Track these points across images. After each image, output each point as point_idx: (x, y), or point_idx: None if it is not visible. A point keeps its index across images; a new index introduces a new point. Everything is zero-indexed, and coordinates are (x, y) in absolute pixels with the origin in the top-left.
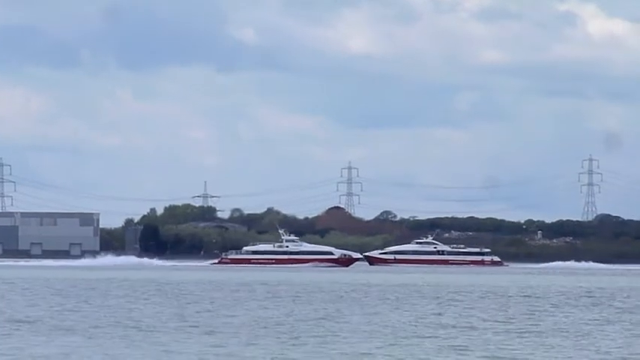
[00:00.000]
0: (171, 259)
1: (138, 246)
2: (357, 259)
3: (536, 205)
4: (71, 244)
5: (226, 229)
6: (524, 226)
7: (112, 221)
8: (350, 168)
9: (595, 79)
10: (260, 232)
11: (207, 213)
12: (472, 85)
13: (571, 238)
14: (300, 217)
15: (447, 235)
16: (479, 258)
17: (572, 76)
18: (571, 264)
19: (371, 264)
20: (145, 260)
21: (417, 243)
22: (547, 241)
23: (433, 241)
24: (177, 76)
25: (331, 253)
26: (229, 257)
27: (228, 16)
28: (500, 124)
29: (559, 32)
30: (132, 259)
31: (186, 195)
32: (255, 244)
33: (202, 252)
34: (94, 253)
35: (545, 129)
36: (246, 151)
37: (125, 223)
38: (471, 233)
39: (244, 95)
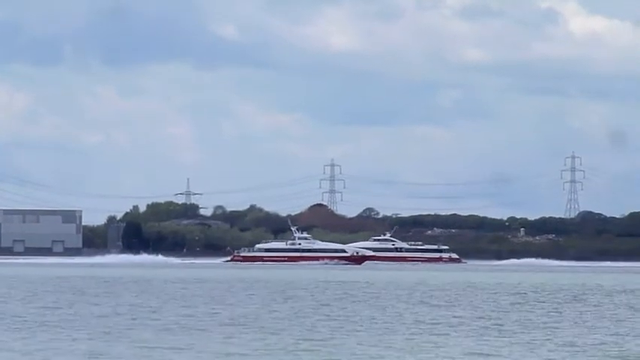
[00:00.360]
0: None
1: (120, 243)
2: (369, 257)
3: (519, 202)
4: (54, 241)
5: (209, 226)
6: (506, 224)
7: (94, 218)
8: (332, 165)
9: (577, 76)
10: (243, 230)
11: (189, 210)
12: (454, 82)
13: (554, 235)
14: (283, 214)
15: (429, 232)
16: (437, 255)
17: (554, 74)
18: (531, 261)
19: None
20: (160, 258)
21: (375, 240)
22: (530, 239)
23: (391, 239)
24: (159, 73)
25: (343, 251)
26: (242, 255)
27: (209, 12)
28: (482, 121)
29: (541, 30)
30: (149, 258)
31: (168, 192)
32: (268, 242)
33: (185, 249)
34: (76, 251)
35: (527, 126)
36: (228, 148)
37: (107, 221)
38: (453, 230)
39: (226, 92)
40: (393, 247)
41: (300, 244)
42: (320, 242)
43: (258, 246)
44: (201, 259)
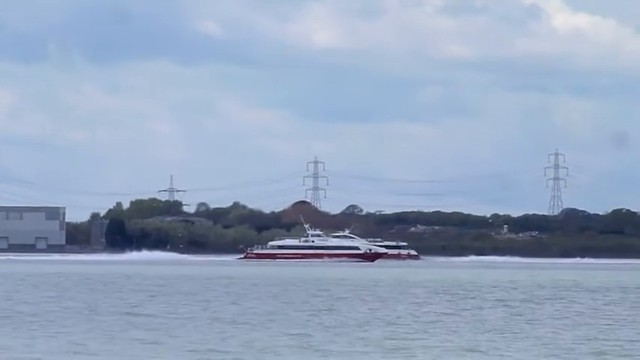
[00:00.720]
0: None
1: (104, 240)
2: (383, 255)
3: (502, 199)
4: (37, 237)
5: (192, 223)
6: (490, 221)
7: (78, 215)
8: (316, 162)
9: (560, 73)
10: (226, 227)
11: (173, 207)
12: (438, 79)
13: (537, 232)
14: (267, 211)
15: (412, 229)
16: (395, 252)
17: (537, 71)
18: (489, 258)
19: None
20: (176, 255)
21: (335, 237)
22: (513, 236)
23: (350, 235)
24: (143, 70)
25: (357, 248)
26: (255, 252)
27: (193, 9)
28: (466, 118)
29: (524, 26)
30: (172, 255)
31: (152, 189)
32: (282, 239)
33: (168, 246)
34: (59, 248)
35: (510, 123)
36: (212, 145)
37: (91, 217)
38: (437, 227)
39: (210, 89)
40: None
41: (313, 241)
42: (333, 239)
43: (271, 243)
44: (213, 256)
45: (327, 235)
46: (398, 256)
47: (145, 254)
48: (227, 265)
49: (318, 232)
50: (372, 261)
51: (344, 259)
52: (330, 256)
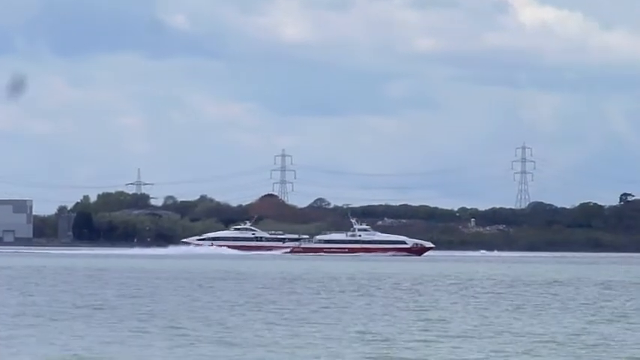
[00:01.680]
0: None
1: (71, 233)
2: (430, 248)
3: (470, 192)
4: (4, 230)
5: (160, 216)
6: (457, 214)
7: (45, 208)
8: (283, 155)
9: (527, 67)
10: (193, 220)
11: (140, 200)
12: (405, 73)
13: (504, 225)
14: (234, 204)
15: (380, 222)
16: (296, 244)
17: (504, 65)
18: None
19: None
20: (225, 249)
21: (236, 229)
22: (480, 229)
23: (251, 228)
24: (109, 63)
25: (404, 242)
26: (302, 246)
27: (160, 2)
28: (433, 112)
29: (491, 20)
30: (208, 249)
31: (119, 182)
32: (327, 233)
33: (135, 239)
34: (27, 240)
35: (477, 117)
36: (179, 138)
37: (58, 211)
38: (404, 221)
39: (176, 82)
40: (252, 236)
41: (360, 235)
42: (380, 234)
43: (318, 237)
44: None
45: (227, 228)
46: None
47: (189, 249)
48: (288, 259)
49: (364, 226)
50: (420, 255)
51: (391, 253)
52: (377, 250)
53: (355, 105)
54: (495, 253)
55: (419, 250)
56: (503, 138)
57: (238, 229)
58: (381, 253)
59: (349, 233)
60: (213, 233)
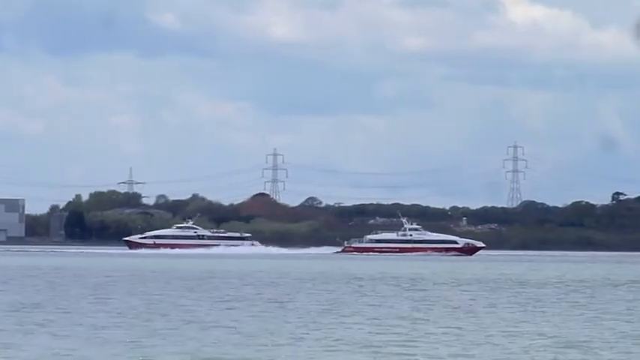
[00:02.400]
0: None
1: (63, 232)
2: (481, 248)
3: (461, 191)
4: None
5: (151, 215)
6: (449, 213)
7: (37, 207)
8: (275, 154)
9: (518, 66)
10: (185, 219)
11: (132, 199)
12: (396, 71)
13: (496, 224)
14: (225, 203)
15: (371, 221)
16: (239, 243)
17: (495, 63)
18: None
19: (130, 248)
20: (272, 249)
21: (178, 227)
22: (472, 228)
23: (193, 226)
24: (102, 63)
25: (455, 242)
26: (353, 246)
27: (151, 1)
28: (424, 111)
29: (481, 19)
30: (259, 249)
31: (111, 181)
32: (378, 233)
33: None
34: (19, 239)
35: (469, 116)
36: (170, 137)
37: (50, 210)
38: (395, 220)
39: (169, 81)
40: (194, 234)
41: (411, 235)
42: (430, 233)
43: (368, 237)
44: (306, 249)
45: (170, 226)
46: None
47: (240, 249)
48: (337, 259)
49: (415, 225)
50: (471, 254)
51: (442, 252)
52: (428, 249)
53: (346, 104)
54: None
55: (470, 250)
56: (494, 137)
57: (180, 227)
58: (432, 253)
59: (400, 233)
60: (155, 231)
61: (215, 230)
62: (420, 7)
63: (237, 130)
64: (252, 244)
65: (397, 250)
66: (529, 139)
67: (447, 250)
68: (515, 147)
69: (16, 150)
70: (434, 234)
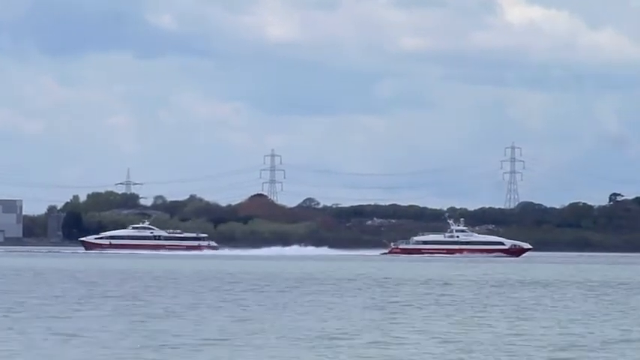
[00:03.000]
0: None
1: (60, 233)
2: (528, 249)
3: (459, 192)
4: None
5: (149, 216)
6: (446, 214)
7: (35, 208)
8: (273, 155)
9: (515, 66)
10: (183, 220)
11: (130, 200)
12: (393, 72)
13: (493, 225)
14: (223, 204)
15: (369, 222)
16: (195, 243)
17: (492, 64)
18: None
19: (87, 249)
20: (323, 249)
21: (134, 228)
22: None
23: (150, 227)
24: (99, 63)
25: (502, 244)
26: (399, 247)
27: (148, 2)
28: (421, 111)
29: (479, 19)
30: (308, 250)
31: (109, 182)
32: (424, 234)
33: None
34: (17, 240)
35: (466, 116)
36: (168, 138)
37: (48, 210)
38: (393, 221)
39: (166, 82)
40: (151, 235)
41: (457, 236)
42: (477, 235)
43: (415, 238)
44: (348, 251)
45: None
46: (198, 248)
47: (278, 249)
48: (389, 260)
49: (462, 227)
50: (518, 256)
51: (489, 254)
52: (474, 251)
53: (344, 104)
54: None
55: (517, 252)
56: (492, 137)
57: (136, 228)
58: (479, 254)
59: (447, 234)
60: (111, 232)
61: (171, 231)
62: (418, 8)
63: (234, 130)
64: (209, 245)
65: (444, 251)
66: (527, 139)
67: (494, 251)
68: (513, 148)
69: (14, 150)
70: (480, 235)
